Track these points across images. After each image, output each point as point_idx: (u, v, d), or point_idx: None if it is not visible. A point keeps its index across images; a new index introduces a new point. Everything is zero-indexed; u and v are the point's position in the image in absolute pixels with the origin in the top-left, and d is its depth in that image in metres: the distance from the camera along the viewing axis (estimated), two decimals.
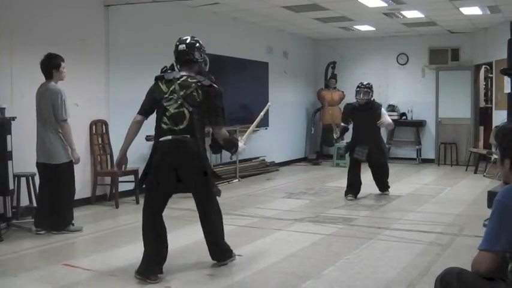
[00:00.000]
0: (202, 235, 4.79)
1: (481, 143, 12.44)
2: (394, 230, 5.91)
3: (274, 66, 11.68)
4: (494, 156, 9.33)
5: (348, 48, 13.23)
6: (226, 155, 9.76)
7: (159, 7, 8.16)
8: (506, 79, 6.47)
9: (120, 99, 7.83)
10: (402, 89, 12.89)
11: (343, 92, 12.55)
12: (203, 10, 9.34)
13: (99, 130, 7.61)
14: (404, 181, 9.85)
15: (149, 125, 8.34)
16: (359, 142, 7.77)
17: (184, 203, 7.60)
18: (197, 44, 4.40)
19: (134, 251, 5.06)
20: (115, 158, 7.58)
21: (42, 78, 5.65)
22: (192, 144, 4.21)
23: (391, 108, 12.79)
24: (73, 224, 5.79)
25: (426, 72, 12.68)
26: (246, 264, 4.64)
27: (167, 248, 4.38)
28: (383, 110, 7.90)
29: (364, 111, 7.76)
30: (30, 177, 6.18)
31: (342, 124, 8.08)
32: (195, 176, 4.32)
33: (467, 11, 9.53)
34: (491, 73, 11.89)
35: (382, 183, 8.12)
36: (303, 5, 9.16)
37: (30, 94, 6.17)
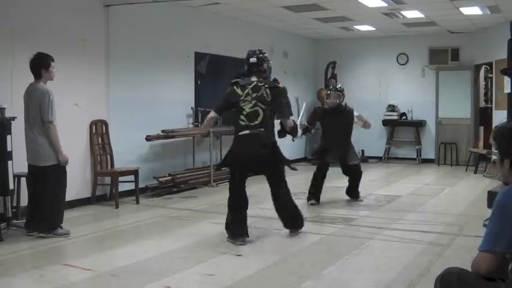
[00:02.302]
0: (202, 235, 5.25)
1: (481, 143, 12.44)
2: (394, 230, 5.91)
3: (274, 66, 11.48)
4: (494, 156, 9.32)
5: (348, 48, 13.23)
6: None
7: (159, 7, 8.16)
8: (506, 79, 6.45)
9: (120, 99, 7.84)
10: (402, 89, 12.88)
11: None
12: (203, 10, 9.34)
13: (99, 130, 7.60)
14: (404, 181, 9.85)
15: (150, 126, 8.39)
16: (330, 147, 7.44)
17: (185, 203, 7.63)
18: (265, 57, 5.43)
19: (134, 251, 5.08)
20: (115, 158, 7.64)
21: None
22: (265, 136, 5.16)
23: (391, 108, 12.81)
24: (61, 228, 5.62)
25: (426, 72, 12.67)
26: (246, 264, 4.65)
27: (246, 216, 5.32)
28: (355, 114, 7.60)
29: (336, 116, 7.50)
30: None
31: (305, 124, 7.49)
32: (269, 161, 5.24)
33: (467, 11, 9.53)
34: (491, 73, 11.89)
35: (354, 187, 7.74)
36: (303, 5, 9.16)
37: None
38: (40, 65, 5.46)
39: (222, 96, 5.41)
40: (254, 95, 5.18)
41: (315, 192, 7.49)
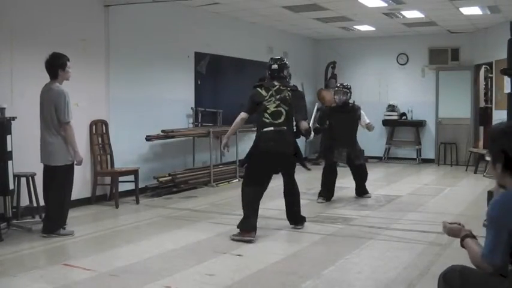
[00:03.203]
0: (202, 235, 5.29)
1: (481, 143, 12.43)
2: (394, 230, 5.91)
3: None
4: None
5: (348, 48, 13.23)
6: (226, 156, 9.79)
7: (159, 7, 8.16)
8: (506, 79, 6.45)
9: (120, 99, 7.84)
10: (402, 89, 12.88)
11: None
12: (203, 10, 9.34)
13: (99, 130, 7.60)
14: (404, 181, 9.85)
15: (150, 126, 8.39)
16: (337, 145, 7.58)
17: (185, 203, 7.62)
18: (286, 64, 5.85)
19: (134, 251, 5.07)
20: (115, 158, 7.65)
21: (42, 78, 5.61)
22: (288, 134, 5.61)
23: (391, 108, 12.80)
24: (64, 228, 5.66)
25: (426, 72, 12.67)
26: (246, 264, 4.65)
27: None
28: (362, 112, 7.81)
29: (343, 113, 7.65)
30: (30, 177, 6.18)
31: (317, 125, 7.75)
32: (288, 157, 5.67)
33: (467, 11, 9.53)
34: (491, 73, 11.89)
35: (361, 185, 7.98)
36: (303, 5, 9.16)
37: (30, 94, 6.17)
38: (56, 65, 5.49)
39: (248, 98, 5.76)
40: (278, 96, 5.60)
41: (324, 191, 7.63)
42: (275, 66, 5.76)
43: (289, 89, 5.69)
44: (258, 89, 5.70)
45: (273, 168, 5.72)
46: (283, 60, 5.88)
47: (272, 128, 5.53)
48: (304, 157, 12.89)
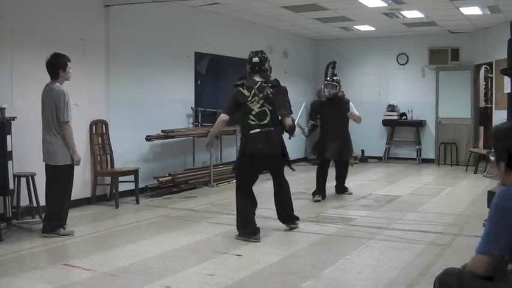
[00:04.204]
0: (202, 235, 5.26)
1: (481, 143, 12.42)
2: (394, 230, 5.91)
3: (274, 66, 11.47)
4: (491, 157, 9.30)
5: (348, 48, 13.22)
6: (225, 156, 9.80)
7: (159, 7, 8.16)
8: (506, 79, 6.45)
9: (120, 99, 7.84)
10: (402, 89, 12.88)
11: (343, 91, 12.51)
12: (203, 10, 9.34)
13: (99, 130, 7.60)
14: (404, 181, 9.85)
15: (150, 126, 8.39)
16: (329, 139, 7.66)
17: (185, 203, 7.63)
18: (266, 57, 5.70)
19: (134, 251, 5.07)
20: (115, 157, 7.65)
21: (42, 78, 5.61)
22: (275, 134, 5.52)
23: (391, 108, 12.80)
24: (64, 228, 5.65)
25: (426, 72, 12.67)
26: (246, 264, 4.64)
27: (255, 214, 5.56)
28: (351, 104, 7.93)
29: (332, 106, 7.73)
30: (30, 177, 6.17)
31: (311, 122, 7.90)
32: (277, 157, 5.60)
33: (467, 11, 9.53)
34: (491, 73, 11.88)
35: (342, 181, 8.09)
36: (303, 5, 9.16)
37: (30, 94, 6.18)
38: (57, 65, 5.50)
39: (230, 98, 5.57)
40: (261, 95, 5.45)
41: (320, 188, 7.67)
42: (256, 59, 5.61)
43: (270, 84, 5.53)
44: (240, 88, 5.51)
45: (262, 170, 5.77)
46: (264, 53, 5.73)
47: (259, 130, 5.42)
48: (303, 157, 13.12)
